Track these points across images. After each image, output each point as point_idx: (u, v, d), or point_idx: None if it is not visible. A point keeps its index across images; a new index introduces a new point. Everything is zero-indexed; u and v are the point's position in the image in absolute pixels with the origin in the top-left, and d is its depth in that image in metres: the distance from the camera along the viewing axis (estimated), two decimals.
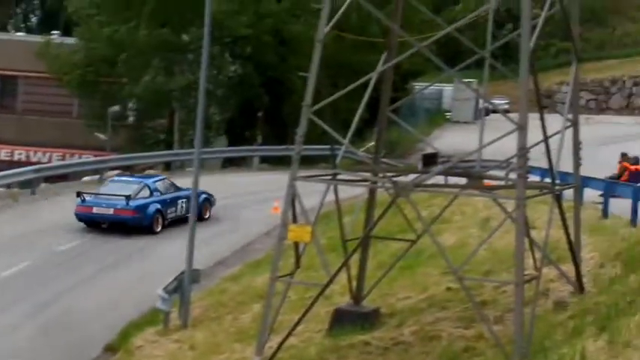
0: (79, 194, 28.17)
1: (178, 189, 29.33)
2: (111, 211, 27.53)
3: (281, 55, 49.21)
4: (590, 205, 23.90)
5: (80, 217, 28.07)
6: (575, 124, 15.60)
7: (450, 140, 52.15)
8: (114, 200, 27.70)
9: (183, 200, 28.55)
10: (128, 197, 27.43)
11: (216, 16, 32.20)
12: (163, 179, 30.34)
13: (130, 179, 29.99)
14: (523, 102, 13.11)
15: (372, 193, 16.87)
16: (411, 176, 16.43)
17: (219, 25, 40.12)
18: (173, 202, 28.83)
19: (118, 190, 28.12)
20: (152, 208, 27.91)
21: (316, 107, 14.56)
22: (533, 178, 27.29)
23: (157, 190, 28.70)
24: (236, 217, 30.34)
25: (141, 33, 45.62)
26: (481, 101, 46.86)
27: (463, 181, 18.20)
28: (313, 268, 18.42)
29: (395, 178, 15.61)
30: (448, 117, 67.89)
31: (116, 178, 30.97)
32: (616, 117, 75.51)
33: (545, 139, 14.08)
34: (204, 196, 28.70)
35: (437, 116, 66.61)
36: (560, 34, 63.44)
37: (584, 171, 25.29)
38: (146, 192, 28.36)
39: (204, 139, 27.19)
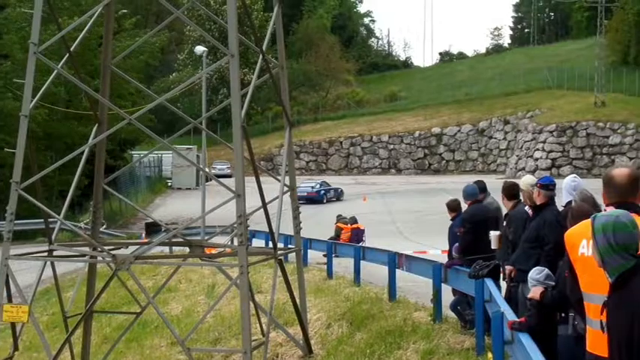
0: None
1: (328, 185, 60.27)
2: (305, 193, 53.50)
3: None
4: (315, 266, 24.29)
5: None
6: (292, 189, 15.70)
7: (173, 207, 51.90)
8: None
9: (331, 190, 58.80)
10: (312, 187, 57.51)
11: None
12: (322, 182, 60.78)
13: (311, 182, 60.22)
14: (239, 169, 12.98)
15: (91, 266, 16.19)
16: (134, 247, 15.90)
17: None
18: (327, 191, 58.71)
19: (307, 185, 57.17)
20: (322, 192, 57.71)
21: (26, 183, 13.77)
22: (259, 241, 27.55)
23: (321, 185, 59.14)
24: None
25: None
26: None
27: (187, 249, 17.87)
28: (35, 349, 17.45)
29: (115, 251, 15.01)
30: (169, 184, 67.62)
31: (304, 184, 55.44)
32: (336, 177, 78.17)
33: (264, 205, 14.01)
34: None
35: (158, 183, 66.21)
36: (277, 98, 65.39)
37: (310, 232, 25.87)
38: (317, 186, 58.36)
39: None
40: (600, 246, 4.82)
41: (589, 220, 5.17)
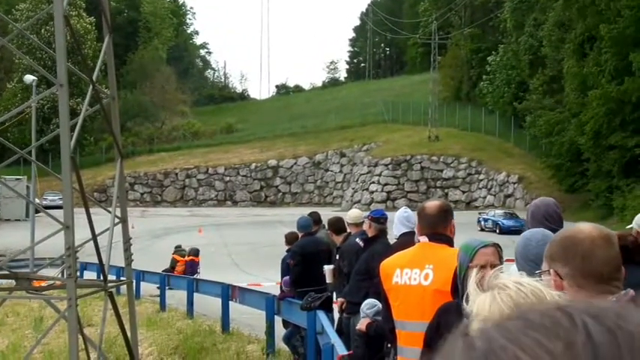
0: None
1: None
2: None
3: None
4: (147, 298, 23.98)
5: None
6: (124, 221, 15.47)
7: (1, 239, 50.18)
8: None
9: None
10: None
11: None
12: None
13: None
14: (67, 200, 12.69)
15: None
16: None
17: None
18: None
19: None
20: None
21: None
22: (91, 274, 26.97)
23: None
24: None
25: None
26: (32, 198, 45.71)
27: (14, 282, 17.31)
28: None
29: None
30: None
31: None
32: (171, 209, 77.43)
33: (94, 237, 13.74)
34: None
35: None
36: (108, 129, 64.15)
37: (143, 264, 25.52)
38: None
39: None
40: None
41: (405, 250, 5.41)
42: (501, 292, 2.77)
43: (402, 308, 5.68)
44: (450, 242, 5.83)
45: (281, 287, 14.33)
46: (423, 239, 5.82)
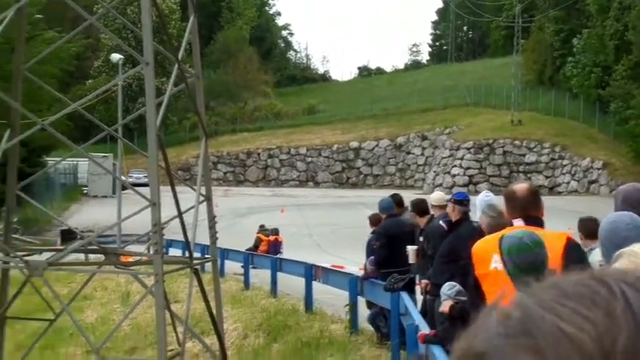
0: None
1: None
2: None
3: None
4: (232, 276, 24.28)
5: None
6: (208, 199, 15.68)
7: (88, 215, 51.24)
8: None
9: None
10: None
11: None
12: None
13: None
14: (153, 178, 12.91)
15: (4, 272, 15.92)
16: (49, 254, 15.70)
17: None
18: None
19: None
20: None
21: None
22: (176, 251, 27.41)
23: None
24: None
25: None
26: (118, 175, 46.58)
27: (103, 257, 17.70)
28: None
29: (28, 257, 14.79)
30: (85, 191, 66.82)
31: None
32: (253, 188, 78.02)
33: (180, 214, 13.96)
34: None
35: (73, 191, 65.34)
36: (193, 108, 65.19)
37: (227, 243, 25.83)
38: None
39: None
40: (508, 267, 5.00)
41: (496, 234, 5.34)
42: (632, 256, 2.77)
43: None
44: (542, 225, 5.76)
45: (365, 268, 14.40)
46: (519, 222, 5.74)
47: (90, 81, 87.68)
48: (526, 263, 4.90)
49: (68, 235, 33.76)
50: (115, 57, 41.98)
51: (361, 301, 14.75)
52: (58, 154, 55.57)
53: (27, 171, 30.33)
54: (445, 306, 8.07)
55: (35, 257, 15.63)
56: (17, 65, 15.34)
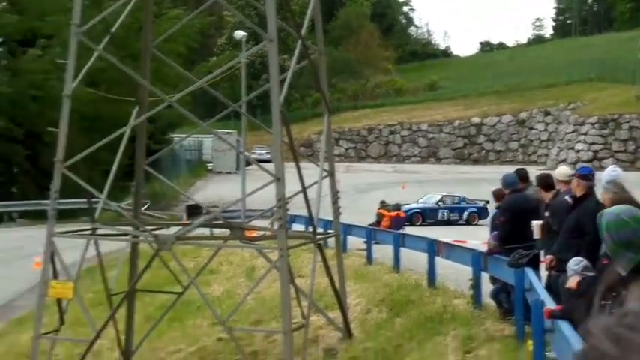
0: None
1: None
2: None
3: (38, 110, 47.83)
4: (354, 252, 24.40)
5: None
6: (331, 175, 15.79)
7: (213, 191, 52.21)
8: None
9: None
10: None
11: None
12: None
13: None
14: (277, 153, 13.11)
15: (134, 246, 16.41)
16: (175, 228, 16.10)
17: None
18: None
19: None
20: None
21: (70, 162, 13.99)
22: (299, 226, 27.70)
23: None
24: None
25: None
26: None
27: (227, 231, 18.05)
28: (80, 324, 17.65)
29: (157, 231, 15.21)
30: (210, 168, 68.03)
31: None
32: (375, 164, 78.09)
33: (304, 189, 14.13)
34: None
35: (198, 167, 66.64)
36: (316, 85, 65.61)
37: (349, 218, 25.97)
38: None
39: None
40: (608, 244, 4.94)
41: None
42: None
43: None
44: None
45: (488, 243, 14.28)
46: None
47: (214, 58, 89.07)
48: (624, 239, 4.83)
49: (194, 211, 34.52)
50: (239, 34, 42.51)
51: (484, 277, 14.64)
52: (183, 132, 56.79)
53: (153, 147, 31.10)
54: (572, 281, 7.96)
55: (163, 231, 16.06)
56: (145, 43, 15.73)
